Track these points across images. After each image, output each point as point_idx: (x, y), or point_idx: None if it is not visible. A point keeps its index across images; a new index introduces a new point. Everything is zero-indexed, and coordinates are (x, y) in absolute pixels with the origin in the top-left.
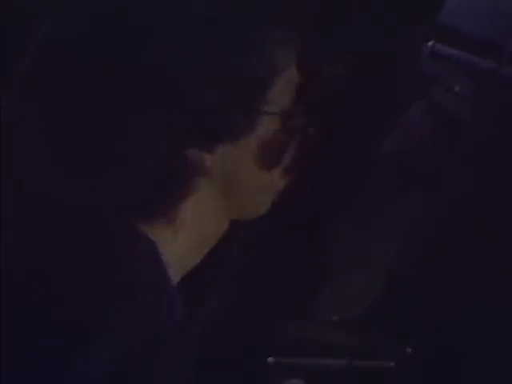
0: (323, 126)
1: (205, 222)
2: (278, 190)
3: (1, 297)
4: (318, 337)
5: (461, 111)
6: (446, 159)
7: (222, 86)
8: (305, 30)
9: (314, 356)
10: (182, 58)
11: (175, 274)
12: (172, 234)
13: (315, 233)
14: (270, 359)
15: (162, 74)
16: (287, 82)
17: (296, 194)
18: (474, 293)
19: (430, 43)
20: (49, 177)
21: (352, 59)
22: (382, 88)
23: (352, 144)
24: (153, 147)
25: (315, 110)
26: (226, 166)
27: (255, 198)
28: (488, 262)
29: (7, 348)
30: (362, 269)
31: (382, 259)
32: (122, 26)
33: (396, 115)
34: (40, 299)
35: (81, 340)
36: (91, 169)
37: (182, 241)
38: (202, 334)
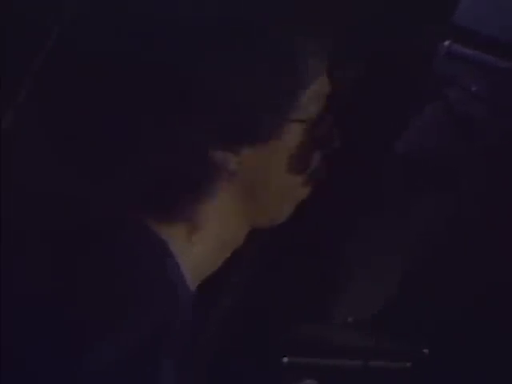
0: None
1: (224, 227)
2: (300, 198)
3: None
4: (333, 337)
5: (477, 111)
6: (461, 159)
7: (252, 90)
8: (332, 39)
9: (329, 357)
10: (213, 60)
11: (193, 278)
12: (188, 234)
13: (330, 234)
14: (285, 359)
15: (192, 76)
16: (316, 91)
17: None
18: (490, 293)
19: (447, 43)
20: (64, 175)
21: (367, 60)
22: (397, 88)
23: (366, 144)
24: (177, 148)
25: (339, 117)
26: (250, 170)
27: (278, 205)
28: (504, 261)
29: (12, 345)
30: (377, 270)
31: (397, 260)
32: (151, 28)
33: (411, 115)
34: (40, 296)
35: (82, 336)
36: (113, 169)
37: (200, 244)
38: (217, 334)
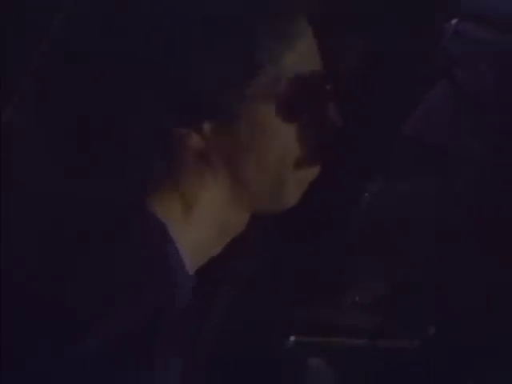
0: (342, 109)
1: (221, 212)
2: (303, 181)
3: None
4: (339, 316)
5: (484, 92)
6: (468, 142)
7: (209, 67)
8: (312, 18)
9: (336, 335)
10: (171, 39)
11: (193, 262)
12: (185, 218)
13: (337, 215)
14: (291, 338)
15: (149, 54)
16: (283, 71)
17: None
18: (498, 274)
19: (454, 21)
20: (52, 168)
21: (372, 40)
22: (403, 69)
23: (373, 126)
24: (140, 125)
25: (328, 101)
26: (222, 152)
27: (275, 189)
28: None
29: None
30: (384, 250)
31: (403, 241)
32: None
33: (418, 96)
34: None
35: (80, 323)
36: (87, 155)
37: (197, 228)
38: (224, 313)
